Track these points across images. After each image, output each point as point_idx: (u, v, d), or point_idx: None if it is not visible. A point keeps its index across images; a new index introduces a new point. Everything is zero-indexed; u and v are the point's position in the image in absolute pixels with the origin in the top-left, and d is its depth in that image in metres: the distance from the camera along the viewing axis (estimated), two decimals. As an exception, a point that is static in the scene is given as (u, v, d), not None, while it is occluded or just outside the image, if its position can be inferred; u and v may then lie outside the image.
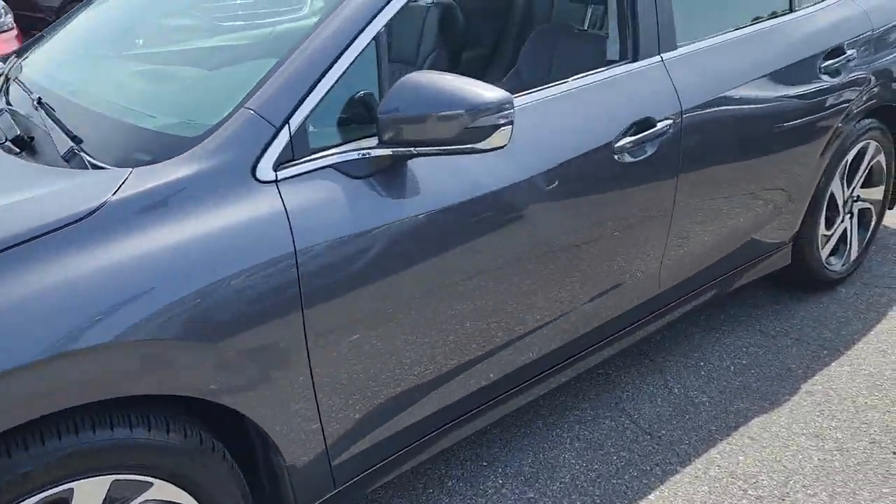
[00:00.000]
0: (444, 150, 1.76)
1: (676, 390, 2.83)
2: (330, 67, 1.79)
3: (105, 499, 1.55)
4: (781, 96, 2.73)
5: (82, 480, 1.51)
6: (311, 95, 1.76)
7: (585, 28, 3.06)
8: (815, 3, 2.99)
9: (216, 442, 1.70)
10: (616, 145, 2.25)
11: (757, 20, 2.79)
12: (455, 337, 2.06)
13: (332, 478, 1.95)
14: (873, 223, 3.51)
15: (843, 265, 3.44)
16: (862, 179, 3.36)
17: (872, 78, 3.10)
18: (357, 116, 1.87)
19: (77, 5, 2.93)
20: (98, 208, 1.54)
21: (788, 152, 2.84)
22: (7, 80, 2.38)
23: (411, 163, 1.88)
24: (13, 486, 1.43)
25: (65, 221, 1.50)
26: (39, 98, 2.01)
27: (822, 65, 2.89)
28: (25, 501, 1.46)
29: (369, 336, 1.85)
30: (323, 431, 1.86)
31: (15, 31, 5.75)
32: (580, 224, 2.23)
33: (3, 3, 5.81)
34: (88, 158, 1.72)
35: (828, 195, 3.19)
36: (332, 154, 1.79)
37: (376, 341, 1.87)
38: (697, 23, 2.62)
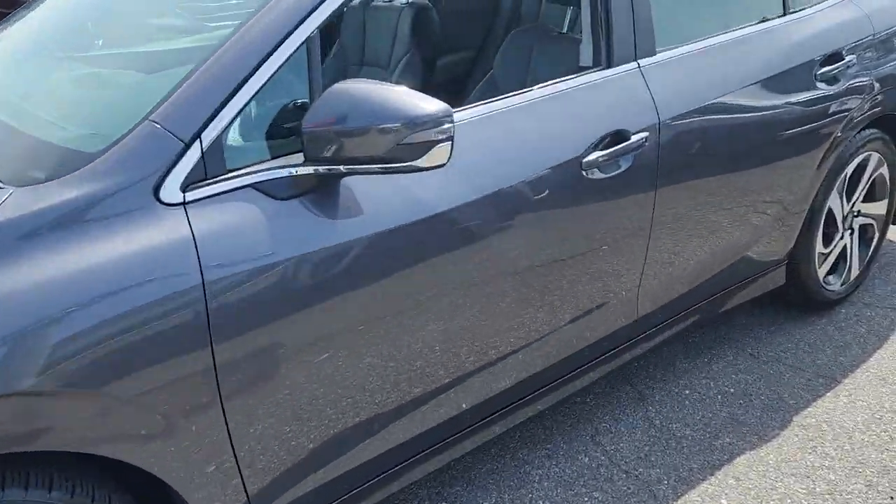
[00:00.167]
0: (378, 168, 1.56)
1: (658, 422, 2.62)
2: (251, 75, 1.59)
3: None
4: (772, 106, 2.52)
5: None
6: (228, 106, 1.56)
7: (565, 31, 2.86)
8: (812, 5, 2.78)
9: (115, 496, 1.51)
10: (585, 160, 2.05)
11: (747, 23, 2.58)
12: (395, 374, 1.86)
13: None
14: (875, 240, 3.29)
15: (842, 284, 3.21)
16: (863, 193, 3.14)
17: (875, 85, 2.88)
18: (285, 130, 1.67)
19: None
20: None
21: (781, 166, 2.62)
22: None
23: (350, 180, 1.68)
24: None
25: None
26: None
27: (819, 71, 2.67)
28: None
29: (293, 374, 1.65)
30: (244, 484, 1.66)
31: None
32: (544, 247, 2.03)
33: None
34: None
35: (825, 211, 2.98)
36: (253, 172, 1.59)
37: (302, 380, 1.67)
38: (680, 26, 2.41)
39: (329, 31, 3.71)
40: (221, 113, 1.55)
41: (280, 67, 1.63)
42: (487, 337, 2.01)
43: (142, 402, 1.43)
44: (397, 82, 3.22)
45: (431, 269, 1.79)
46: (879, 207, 3.25)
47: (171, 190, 1.50)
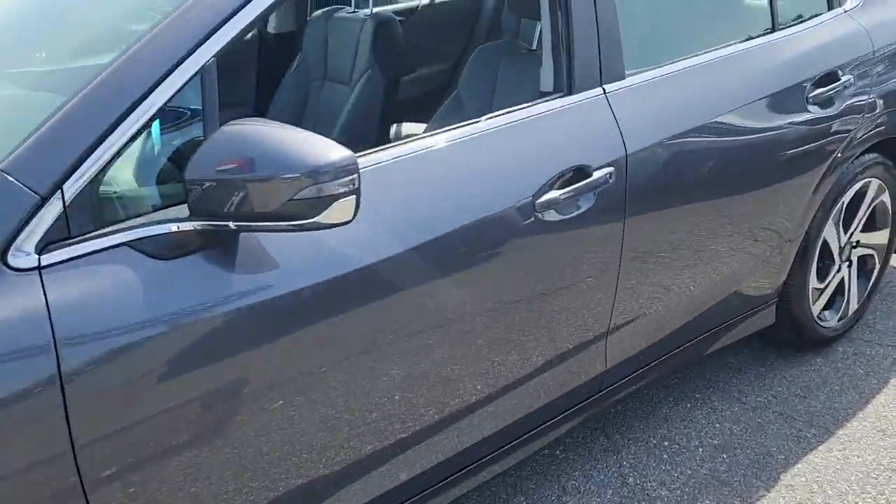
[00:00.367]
0: (271, 226, 1.32)
1: (631, 480, 2.37)
2: (130, 112, 1.35)
3: None
4: (758, 131, 2.27)
5: None
6: (99, 149, 1.32)
7: (534, 48, 2.62)
8: (804, 21, 2.52)
9: None
10: (538, 201, 1.80)
11: (730, 42, 2.33)
12: (297, 458, 1.62)
13: None
14: (876, 271, 3.03)
15: (839, 320, 2.96)
16: (862, 223, 2.89)
17: (876, 106, 2.63)
18: (171, 177, 1.44)
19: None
20: None
21: (769, 197, 2.38)
22: None
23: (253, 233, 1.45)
24: None
25: None
26: None
27: (811, 94, 2.42)
28: None
29: (170, 464, 1.41)
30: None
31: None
32: (494, 299, 1.79)
33: None
34: None
35: (819, 243, 2.73)
36: (129, 228, 1.35)
37: (184, 467, 1.43)
38: (653, 46, 2.16)
39: (290, 42, 3.48)
40: (90, 158, 1.31)
41: (168, 102, 1.39)
42: (421, 406, 1.77)
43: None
44: (356, 100, 2.99)
45: (350, 329, 1.56)
46: (880, 237, 2.99)
47: (23, 252, 1.26)
